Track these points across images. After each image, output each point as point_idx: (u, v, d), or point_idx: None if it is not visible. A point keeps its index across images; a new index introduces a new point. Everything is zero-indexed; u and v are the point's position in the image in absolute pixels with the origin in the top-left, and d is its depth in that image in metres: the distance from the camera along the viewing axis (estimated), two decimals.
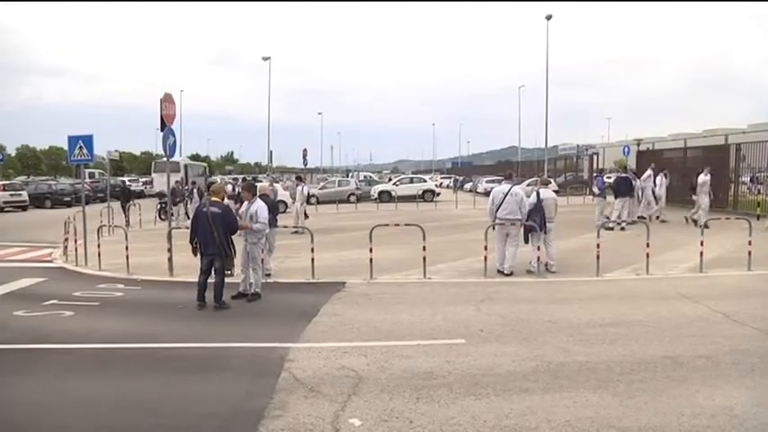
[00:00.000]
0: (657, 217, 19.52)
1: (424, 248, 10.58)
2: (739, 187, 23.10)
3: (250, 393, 5.29)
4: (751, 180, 23.83)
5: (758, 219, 17.78)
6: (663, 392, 5.14)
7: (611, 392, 5.15)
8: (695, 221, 17.66)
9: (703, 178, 18.31)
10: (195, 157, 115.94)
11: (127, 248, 11.62)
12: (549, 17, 40.96)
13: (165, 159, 12.24)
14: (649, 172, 20.21)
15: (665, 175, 20.41)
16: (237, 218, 9.25)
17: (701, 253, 10.86)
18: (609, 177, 24.82)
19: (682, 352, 6.22)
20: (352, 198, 35.14)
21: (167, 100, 11.40)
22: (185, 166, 41.28)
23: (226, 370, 5.97)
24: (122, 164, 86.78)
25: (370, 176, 55.29)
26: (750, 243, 10.93)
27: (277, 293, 9.54)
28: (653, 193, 19.81)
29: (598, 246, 10.65)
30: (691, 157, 28.08)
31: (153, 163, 46.44)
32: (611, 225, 16.84)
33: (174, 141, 11.87)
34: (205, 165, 60.57)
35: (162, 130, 11.41)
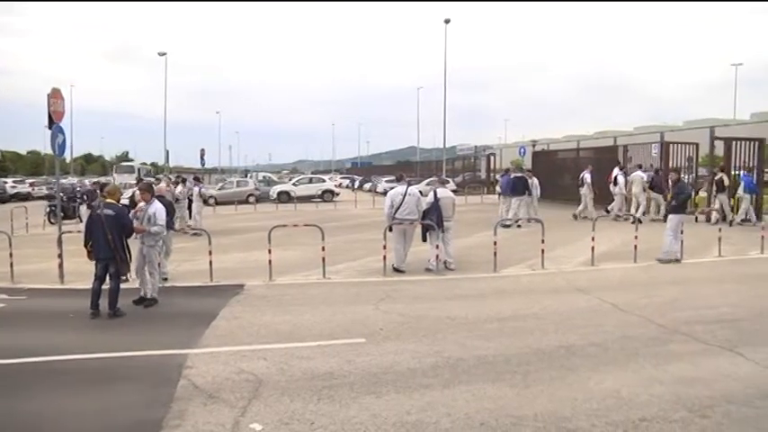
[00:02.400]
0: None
1: (323, 249, 10.63)
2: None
3: (148, 404, 5.13)
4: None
5: (644, 214, 19.43)
6: (557, 380, 5.47)
7: (509, 383, 5.41)
8: (585, 217, 19.05)
9: (587, 176, 19.79)
10: (88, 157, 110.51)
11: (11, 255, 10.83)
12: (447, 21, 42.32)
13: (125, 163, 11.71)
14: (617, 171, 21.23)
15: (625, 173, 21.24)
16: (134, 220, 8.87)
17: (593, 248, 11.64)
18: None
19: (575, 341, 6.63)
20: (251, 199, 34.71)
21: (55, 96, 10.77)
22: (138, 169, 48.68)
23: (122, 381, 5.73)
24: (5, 164, 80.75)
25: (270, 177, 54.69)
26: (636, 237, 11.86)
27: (174, 298, 9.24)
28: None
29: (495, 243, 11.14)
30: (583, 157, 29.86)
31: (114, 166, 56.43)
32: (508, 223, 17.66)
33: (64, 140, 11.23)
34: (149, 167, 61.52)
35: (50, 128, 10.77)
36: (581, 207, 20.90)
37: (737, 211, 18.76)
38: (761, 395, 5.06)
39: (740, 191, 18.63)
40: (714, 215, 18.25)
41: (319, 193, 37.07)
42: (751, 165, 20.41)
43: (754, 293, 9.07)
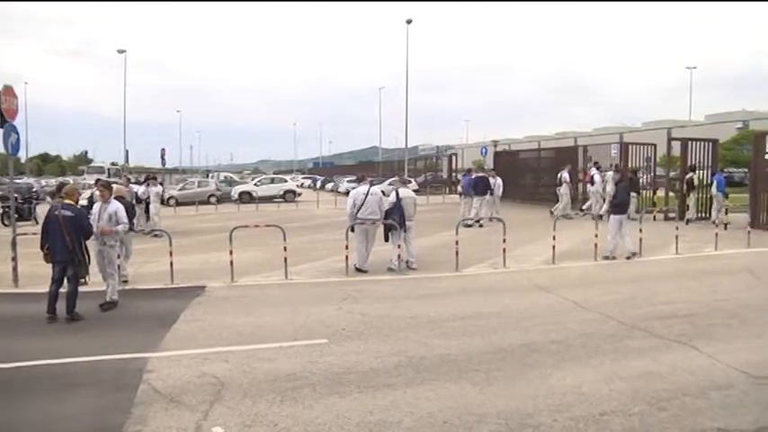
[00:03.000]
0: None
1: (285, 249, 10.58)
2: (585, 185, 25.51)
3: (108, 409, 5.01)
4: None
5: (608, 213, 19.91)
6: (519, 377, 5.56)
7: (471, 381, 5.47)
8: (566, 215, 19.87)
9: (566, 175, 20.31)
10: (45, 157, 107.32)
11: None
12: (409, 21, 42.50)
13: (96, 164, 11.37)
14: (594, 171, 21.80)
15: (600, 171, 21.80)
16: (94, 222, 8.66)
17: (554, 246, 11.85)
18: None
19: (536, 339, 6.74)
20: (213, 199, 34.38)
21: (7, 93, 10.43)
22: (108, 170, 49.79)
23: (81, 386, 5.59)
24: None
25: (231, 177, 54.31)
26: (597, 236, 12.12)
27: (134, 301, 9.06)
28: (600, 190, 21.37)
29: (457, 242, 11.26)
30: (544, 157, 30.40)
31: (86, 167, 57.89)
32: (469, 222, 17.85)
33: (18, 139, 10.92)
34: (119, 167, 60.90)
35: (1, 127, 10.45)
36: (560, 205, 21.44)
37: (702, 209, 19.46)
38: (714, 387, 5.26)
39: (713, 189, 19.29)
40: (682, 214, 18.89)
41: (281, 193, 36.99)
42: (706, 164, 21.13)
43: (708, 289, 9.36)
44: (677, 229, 13.44)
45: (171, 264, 10.34)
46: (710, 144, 21.54)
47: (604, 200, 20.73)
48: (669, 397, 5.02)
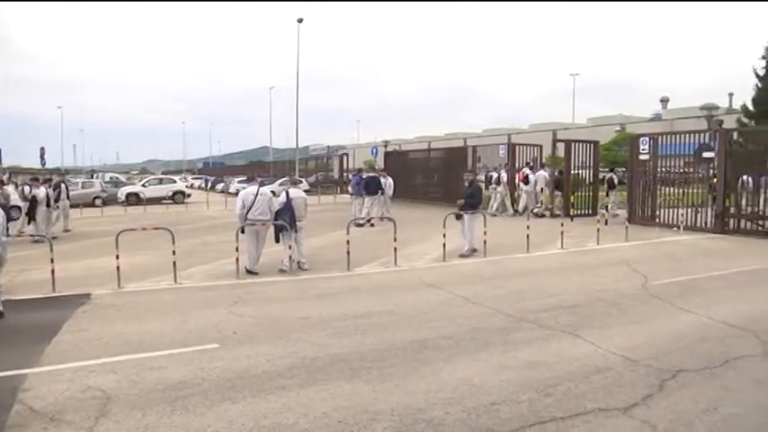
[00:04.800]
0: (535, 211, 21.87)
1: (174, 253, 10.26)
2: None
3: None
4: (486, 178, 27.31)
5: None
6: (411, 374, 5.69)
7: (365, 380, 5.54)
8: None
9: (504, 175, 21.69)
10: None
11: None
12: (300, 20, 42.26)
13: None
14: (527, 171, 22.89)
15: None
16: None
17: (444, 244, 12.21)
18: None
19: (428, 335, 6.93)
20: (98, 201, 32.61)
21: None
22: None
23: None
24: None
25: (117, 177, 51.96)
26: (486, 233, 12.61)
27: (11, 312, 8.36)
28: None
29: (348, 242, 11.36)
30: (434, 157, 31.23)
31: None
32: (361, 222, 18.14)
33: None
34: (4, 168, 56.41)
35: None
36: (496, 204, 22.69)
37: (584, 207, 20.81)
38: (595, 371, 5.68)
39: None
40: (568, 211, 20.15)
41: (170, 194, 35.95)
42: (587, 164, 22.65)
43: (591, 281, 10.02)
44: (562, 225, 14.29)
45: (52, 271, 9.70)
46: (592, 145, 23.15)
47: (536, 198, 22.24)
48: (555, 383, 5.34)
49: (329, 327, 7.36)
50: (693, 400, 5.04)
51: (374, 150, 40.20)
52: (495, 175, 23.54)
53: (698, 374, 5.63)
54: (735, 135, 18.27)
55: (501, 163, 24.96)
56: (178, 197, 35.84)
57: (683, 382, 5.42)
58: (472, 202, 13.07)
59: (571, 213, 20.52)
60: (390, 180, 21.75)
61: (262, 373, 5.79)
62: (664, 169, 19.26)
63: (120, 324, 7.71)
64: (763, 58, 30.10)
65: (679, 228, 17.01)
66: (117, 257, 10.00)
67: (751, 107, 30.46)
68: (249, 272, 10.85)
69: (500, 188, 22.91)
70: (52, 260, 9.82)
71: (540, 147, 25.35)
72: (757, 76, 30.27)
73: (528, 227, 13.17)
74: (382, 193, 20.39)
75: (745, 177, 16.44)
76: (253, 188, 11.24)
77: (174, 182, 40.05)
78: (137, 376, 5.74)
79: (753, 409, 4.90)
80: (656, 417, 4.70)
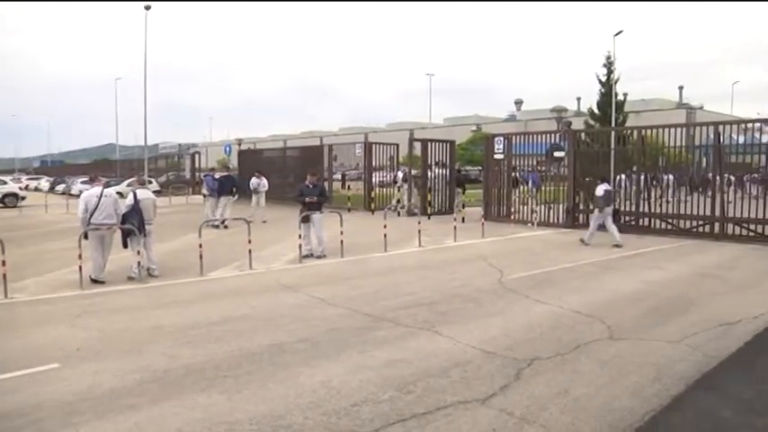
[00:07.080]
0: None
1: (4, 263, 9.27)
2: (332, 184, 26.82)
3: None
4: (342, 177, 27.61)
5: (349, 211, 21.24)
6: (269, 380, 5.62)
7: (220, 390, 5.39)
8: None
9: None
10: None
11: None
12: (147, 8, 40.26)
13: None
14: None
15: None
16: None
17: (300, 246, 12.20)
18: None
19: (285, 339, 6.88)
20: None
21: None
22: None
23: None
24: None
25: None
26: (342, 233, 12.74)
27: None
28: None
29: (201, 246, 11.02)
30: (290, 156, 31.11)
31: None
32: (216, 224, 17.71)
33: None
34: None
35: None
36: (406, 202, 23.29)
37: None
38: (454, 365, 5.93)
39: (530, 186, 21.55)
40: (425, 209, 20.91)
41: (0, 197, 32.76)
42: (443, 163, 23.56)
43: (448, 278, 10.42)
44: (419, 223, 14.75)
45: None
46: (448, 144, 24.12)
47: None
48: (415, 380, 5.49)
49: (182, 336, 7.09)
50: (547, 385, 5.42)
51: (227, 148, 39.45)
52: (401, 174, 24.92)
53: (551, 361, 6.06)
54: (582, 135, 19.89)
55: (358, 162, 25.57)
56: (10, 200, 32.76)
57: (538, 370, 5.81)
58: (322, 200, 13.16)
59: (428, 212, 21.26)
60: (265, 180, 21.80)
61: (108, 391, 5.43)
62: (519, 170, 20.60)
63: None
64: (604, 66, 32.93)
65: (533, 224, 18.20)
66: None
67: (596, 110, 33.20)
68: (94, 281, 10.21)
69: (405, 186, 24.02)
70: None
71: (397, 146, 26.02)
72: (600, 82, 33.11)
73: (385, 225, 13.45)
74: (236, 194, 20.05)
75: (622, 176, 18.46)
76: (96, 189, 10.60)
77: (6, 183, 36.79)
78: None
79: (600, 389, 5.36)
80: (513, 404, 4.99)
